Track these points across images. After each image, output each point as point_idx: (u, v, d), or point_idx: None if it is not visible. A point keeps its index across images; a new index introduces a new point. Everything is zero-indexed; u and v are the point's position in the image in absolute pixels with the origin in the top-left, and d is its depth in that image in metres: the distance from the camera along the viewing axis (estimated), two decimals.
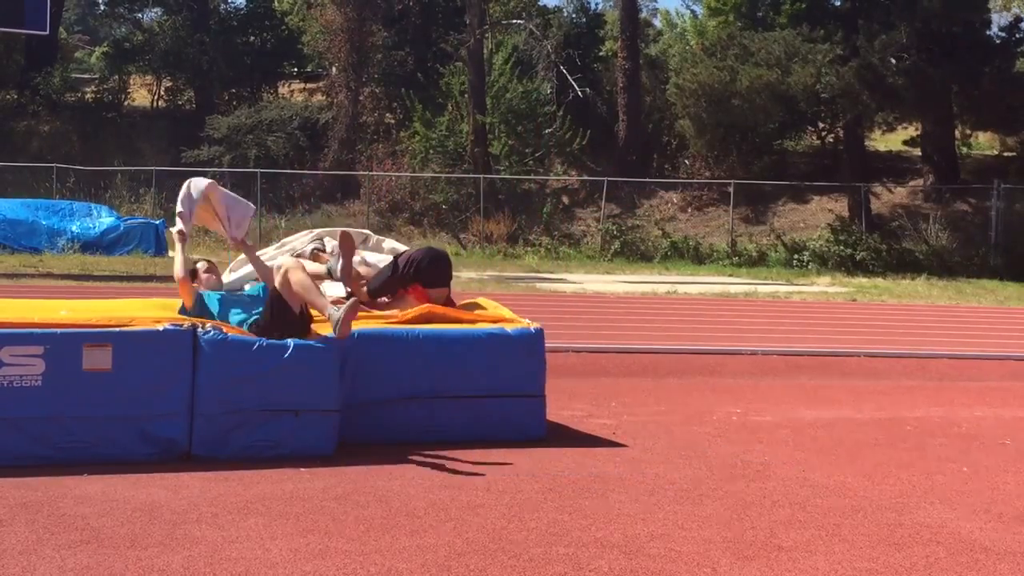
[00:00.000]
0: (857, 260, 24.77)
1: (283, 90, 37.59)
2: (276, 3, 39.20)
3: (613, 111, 31.98)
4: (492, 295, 8.88)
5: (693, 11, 37.98)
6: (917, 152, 30.22)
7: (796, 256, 25.37)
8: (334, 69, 33.06)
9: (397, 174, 30.08)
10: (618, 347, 10.58)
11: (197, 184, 6.72)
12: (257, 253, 6.80)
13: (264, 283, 6.36)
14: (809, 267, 24.64)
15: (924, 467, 5.95)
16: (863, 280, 22.31)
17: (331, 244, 7.55)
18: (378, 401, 6.02)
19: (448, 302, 6.85)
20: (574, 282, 19.07)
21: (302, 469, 5.35)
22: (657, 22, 46.05)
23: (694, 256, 25.99)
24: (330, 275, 6.76)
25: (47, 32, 18.79)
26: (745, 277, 22.26)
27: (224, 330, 5.62)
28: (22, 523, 4.37)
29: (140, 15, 39.41)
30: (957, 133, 29.98)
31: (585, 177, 30.23)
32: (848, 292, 19.09)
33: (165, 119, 34.35)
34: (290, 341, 5.66)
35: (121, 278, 16.79)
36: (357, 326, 6.10)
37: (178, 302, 6.34)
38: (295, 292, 5.71)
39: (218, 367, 5.49)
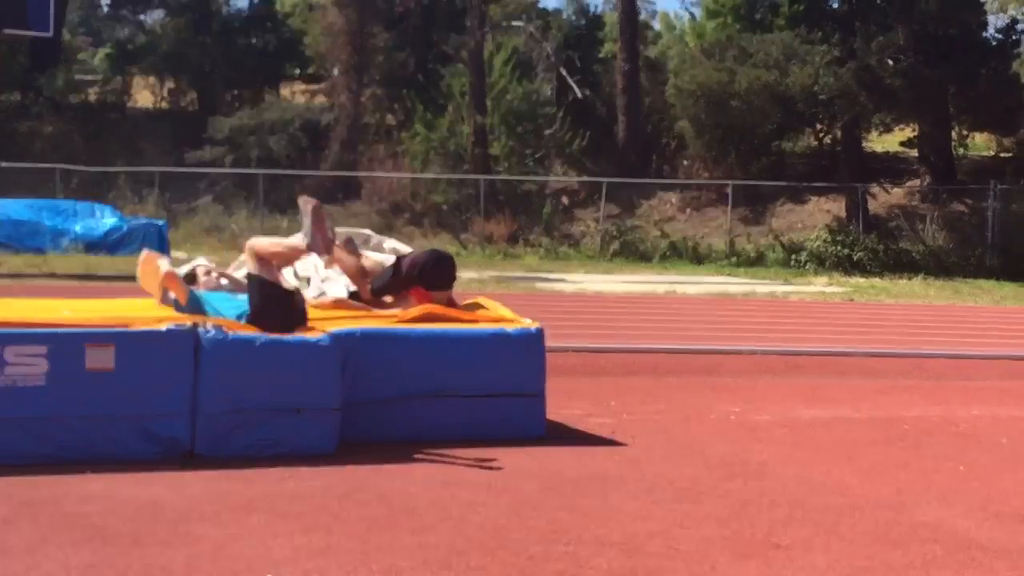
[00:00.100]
0: (854, 260, 24.78)
1: (285, 91, 37.63)
2: (278, 5, 39.24)
3: (612, 112, 31.99)
4: (492, 295, 8.90)
5: (692, 13, 38.02)
6: (914, 153, 30.22)
7: (794, 256, 25.38)
8: (335, 71, 33.09)
9: (398, 175, 30.10)
10: (618, 347, 10.60)
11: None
12: None
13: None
14: (807, 267, 24.66)
15: (921, 466, 5.98)
16: (860, 280, 22.33)
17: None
18: (379, 400, 6.04)
19: (450, 302, 6.87)
20: (574, 282, 19.08)
21: (304, 468, 5.37)
22: (656, 24, 46.02)
23: (693, 256, 26.01)
24: (309, 248, 6.43)
25: (50, 33, 18.82)
26: (743, 277, 22.27)
27: (225, 329, 5.65)
28: (26, 521, 4.40)
29: (143, 17, 39.46)
30: (954, 134, 29.99)
31: (585, 178, 30.25)
32: (845, 292, 19.12)
33: (168, 120, 34.37)
34: (291, 339, 5.70)
35: (124, 278, 16.77)
36: (357, 326, 6.13)
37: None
38: (263, 255, 5.73)
39: (220, 366, 5.52)
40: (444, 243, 26.64)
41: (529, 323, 6.44)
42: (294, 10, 38.89)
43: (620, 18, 32.70)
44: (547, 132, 30.60)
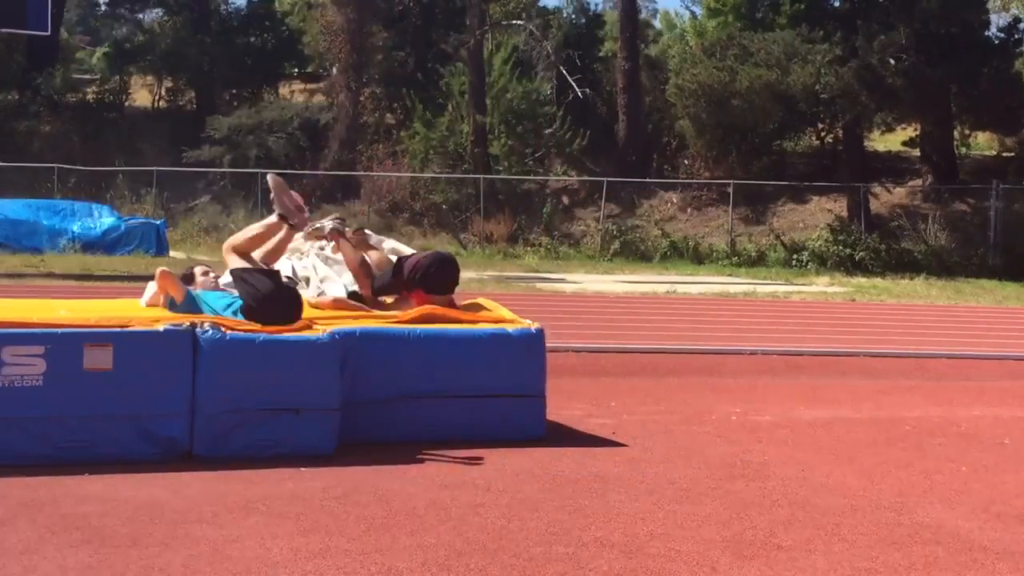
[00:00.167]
0: (856, 260, 24.80)
1: (284, 91, 37.64)
2: (277, 4, 39.24)
3: (613, 111, 31.99)
4: (492, 295, 8.89)
5: (693, 12, 38.00)
6: (916, 152, 30.23)
7: (795, 256, 25.38)
8: (335, 70, 33.11)
9: (397, 174, 30.10)
10: (618, 347, 10.59)
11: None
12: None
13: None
14: (808, 267, 24.66)
15: (923, 466, 5.96)
16: (862, 280, 22.33)
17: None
18: (379, 400, 6.03)
19: (449, 303, 6.85)
20: (574, 282, 19.08)
21: (303, 468, 5.35)
22: (657, 23, 46.10)
23: (693, 256, 26.01)
24: (281, 218, 6.43)
25: (48, 33, 18.81)
26: (744, 277, 22.27)
27: (223, 328, 5.63)
28: (24, 522, 4.38)
29: (141, 16, 39.50)
30: (956, 133, 30.01)
31: (585, 177, 30.25)
32: (847, 292, 19.11)
33: (166, 119, 34.40)
34: (290, 338, 5.67)
35: (122, 278, 16.80)
36: (357, 325, 6.12)
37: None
38: (241, 249, 5.92)
39: (218, 366, 5.51)
40: (443, 243, 26.66)
41: (529, 323, 6.42)
42: (293, 9, 38.90)
43: (620, 17, 32.71)
44: (547, 131, 30.60)
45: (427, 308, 6.51)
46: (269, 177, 6.66)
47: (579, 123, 30.31)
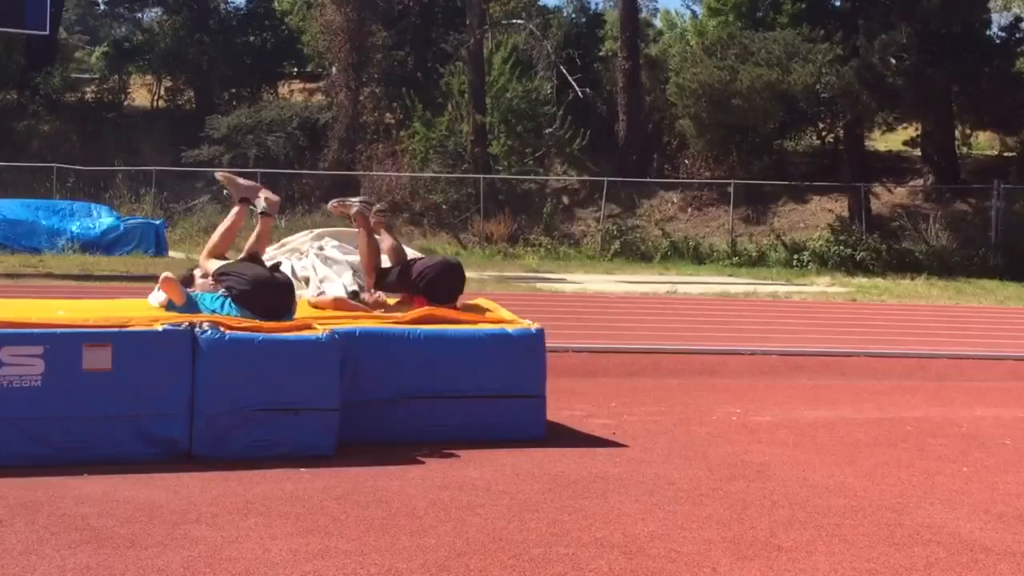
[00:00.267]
0: (857, 260, 24.77)
1: (283, 90, 37.59)
2: (276, 3, 39.21)
3: (613, 111, 31.97)
4: (492, 295, 8.87)
5: (693, 11, 38.02)
6: (917, 152, 30.21)
7: (796, 256, 25.35)
8: (334, 69, 33.06)
9: (397, 174, 30.08)
10: (618, 347, 10.58)
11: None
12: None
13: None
14: (809, 267, 24.63)
15: (924, 467, 5.95)
16: (863, 280, 22.31)
17: (331, 243, 7.52)
18: (378, 401, 6.02)
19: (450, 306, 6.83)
20: (574, 282, 19.06)
21: (302, 469, 5.35)
22: (657, 22, 46.04)
23: (694, 256, 25.98)
24: (243, 202, 6.41)
25: (47, 32, 18.79)
26: (745, 277, 22.25)
27: (222, 328, 5.61)
28: (22, 523, 4.37)
29: (140, 15, 39.46)
30: (957, 133, 29.98)
31: (585, 177, 30.23)
32: (848, 292, 19.09)
33: (165, 119, 34.36)
34: (289, 338, 5.66)
35: (121, 278, 16.79)
36: (358, 325, 6.11)
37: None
38: (215, 250, 6.17)
39: (217, 366, 5.49)
40: (443, 243, 26.66)
41: (529, 324, 6.41)
42: (292, 8, 38.86)
43: (621, 16, 32.68)
44: (547, 131, 30.57)
45: (427, 309, 6.50)
46: (216, 174, 6.98)
47: (579, 123, 30.28)
